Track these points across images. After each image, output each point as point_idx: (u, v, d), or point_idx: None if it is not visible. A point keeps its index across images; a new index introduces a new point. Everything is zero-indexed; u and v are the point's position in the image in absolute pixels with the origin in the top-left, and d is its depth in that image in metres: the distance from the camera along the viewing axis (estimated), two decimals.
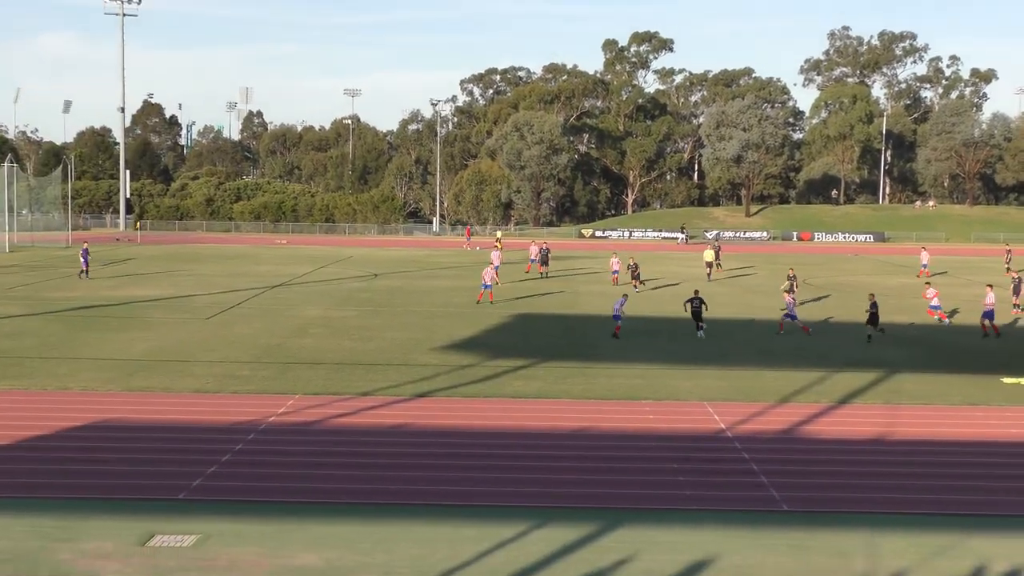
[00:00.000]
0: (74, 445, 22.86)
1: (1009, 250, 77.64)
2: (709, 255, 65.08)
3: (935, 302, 45.72)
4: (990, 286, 43.13)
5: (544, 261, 65.19)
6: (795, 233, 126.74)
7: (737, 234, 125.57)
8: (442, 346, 37.25)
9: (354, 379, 30.81)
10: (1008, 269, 69.93)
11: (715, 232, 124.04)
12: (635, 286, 56.48)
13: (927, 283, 49.94)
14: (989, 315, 41.26)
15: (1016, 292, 49.50)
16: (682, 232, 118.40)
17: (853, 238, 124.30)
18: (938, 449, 24.02)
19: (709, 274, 63.65)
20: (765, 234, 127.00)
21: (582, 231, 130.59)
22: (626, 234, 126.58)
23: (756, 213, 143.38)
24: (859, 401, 28.70)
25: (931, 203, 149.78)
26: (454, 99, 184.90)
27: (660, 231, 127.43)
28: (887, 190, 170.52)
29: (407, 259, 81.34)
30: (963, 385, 31.14)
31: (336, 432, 24.49)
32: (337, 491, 19.96)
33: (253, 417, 25.67)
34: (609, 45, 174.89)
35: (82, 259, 62.67)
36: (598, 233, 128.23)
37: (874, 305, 39.58)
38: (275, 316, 45.16)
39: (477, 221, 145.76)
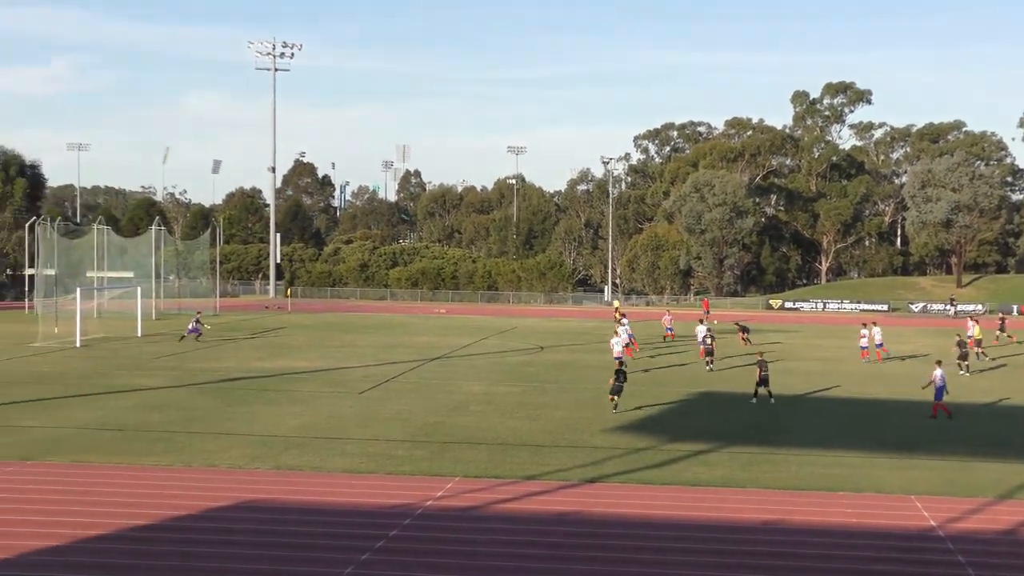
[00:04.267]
0: (219, 527, 23.37)
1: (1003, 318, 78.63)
2: (977, 331, 62.69)
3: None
4: (939, 362, 41.83)
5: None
6: (1015, 306, 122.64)
7: (947, 307, 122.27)
8: (614, 427, 37.06)
9: (518, 461, 30.85)
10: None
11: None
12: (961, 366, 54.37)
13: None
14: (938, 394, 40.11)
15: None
16: (951, 304, 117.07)
17: None
18: None
19: (979, 353, 60.45)
20: (980, 307, 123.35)
21: (770, 301, 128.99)
22: (820, 306, 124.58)
23: (969, 284, 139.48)
24: None
25: None
26: (627, 157, 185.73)
27: (859, 303, 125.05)
28: None
29: (576, 331, 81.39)
30: None
31: (498, 519, 24.50)
32: None
33: (409, 500, 25.89)
34: (799, 97, 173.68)
35: (191, 325, 69.70)
36: (788, 304, 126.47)
37: None
38: (433, 391, 45.66)
39: (653, 290, 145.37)
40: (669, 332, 71.99)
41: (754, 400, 43.29)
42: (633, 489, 27.67)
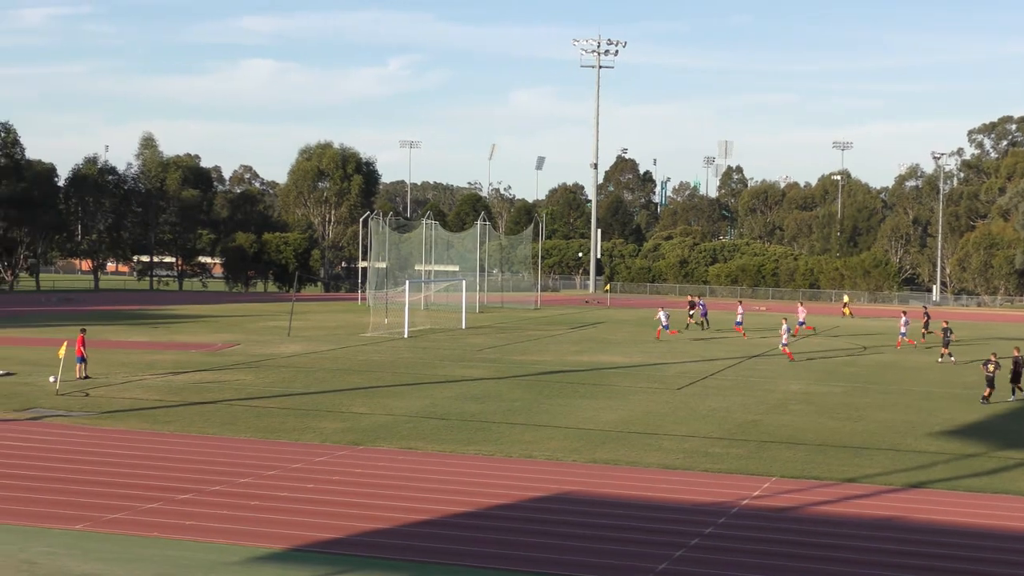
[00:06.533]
0: (535, 517, 23.72)
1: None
2: None
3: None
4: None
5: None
6: None
7: None
8: (941, 431, 35.69)
9: (838, 463, 30.10)
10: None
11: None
12: None
13: None
14: None
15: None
16: None
17: None
18: None
19: None
20: None
21: None
22: None
23: None
24: None
25: None
26: (960, 152, 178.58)
27: None
28: None
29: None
30: None
31: (816, 521, 23.95)
32: None
33: (724, 499, 25.64)
34: None
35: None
36: None
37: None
38: (751, 389, 45.14)
39: (985, 291, 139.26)
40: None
41: (1011, 398, 42.87)
42: (960, 497, 26.53)
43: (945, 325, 58.98)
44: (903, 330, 66.49)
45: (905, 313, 68.85)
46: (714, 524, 23.38)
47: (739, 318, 73.03)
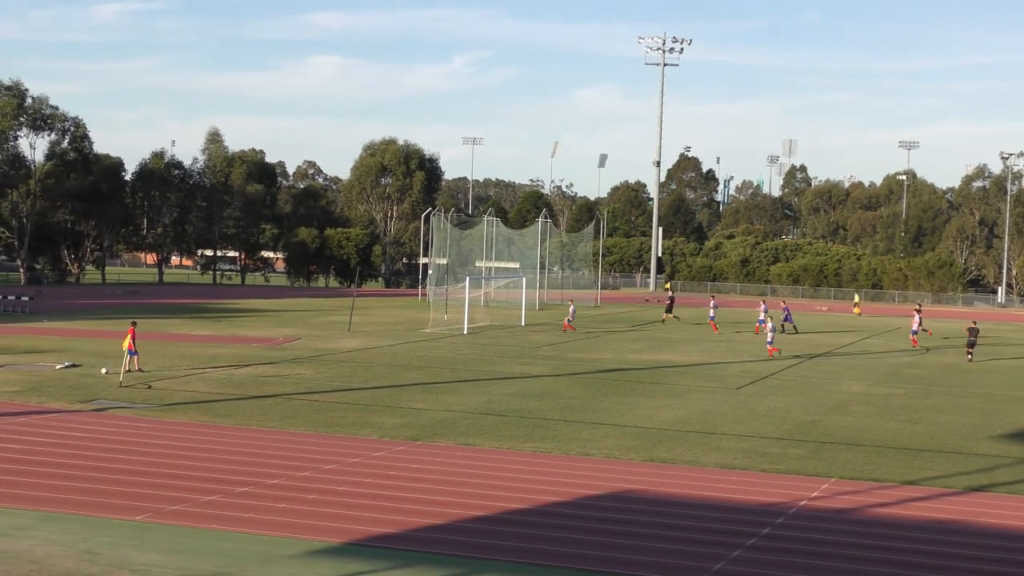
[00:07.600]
0: (592, 515, 23.67)
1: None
2: None
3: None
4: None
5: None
6: None
7: None
8: (1004, 434, 35.25)
9: (898, 465, 29.82)
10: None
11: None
12: None
13: None
14: None
15: None
16: None
17: None
18: None
19: None
20: None
21: None
22: None
23: None
24: None
25: None
26: None
27: None
28: None
29: (962, 333, 78.04)
30: None
31: (875, 523, 23.73)
32: None
33: (783, 499, 25.48)
34: None
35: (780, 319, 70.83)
36: None
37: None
38: (811, 389, 44.82)
39: None
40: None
41: None
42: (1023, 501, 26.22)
43: (972, 325, 58.79)
44: (915, 328, 66.11)
45: (918, 311, 68.49)
46: (771, 524, 23.24)
47: (712, 312, 74.18)
